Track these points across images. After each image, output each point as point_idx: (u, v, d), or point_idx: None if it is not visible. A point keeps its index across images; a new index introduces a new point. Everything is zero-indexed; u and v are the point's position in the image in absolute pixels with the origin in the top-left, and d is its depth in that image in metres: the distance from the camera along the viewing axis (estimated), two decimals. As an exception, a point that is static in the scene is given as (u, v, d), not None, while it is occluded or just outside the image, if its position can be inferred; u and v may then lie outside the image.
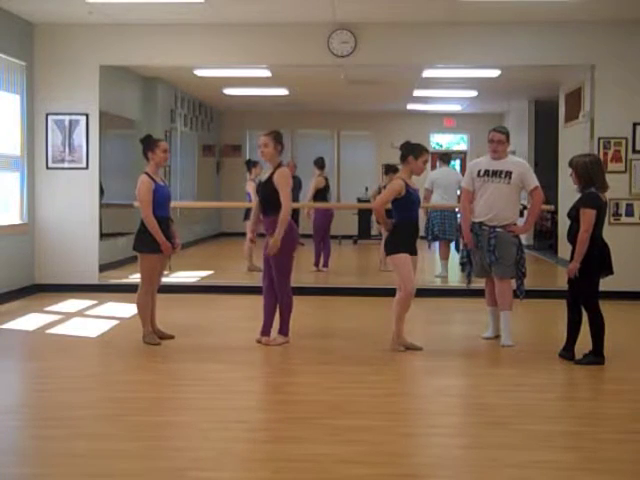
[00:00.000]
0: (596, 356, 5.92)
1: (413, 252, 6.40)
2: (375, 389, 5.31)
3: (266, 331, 6.60)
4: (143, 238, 6.49)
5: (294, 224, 6.69)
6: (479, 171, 6.71)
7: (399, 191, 6.34)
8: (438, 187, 10.80)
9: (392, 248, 6.39)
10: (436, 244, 11.31)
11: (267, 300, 6.60)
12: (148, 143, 6.61)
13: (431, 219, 10.72)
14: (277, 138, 6.54)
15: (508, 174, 6.59)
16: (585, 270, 5.91)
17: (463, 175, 10.85)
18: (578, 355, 6.02)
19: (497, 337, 6.76)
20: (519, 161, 6.96)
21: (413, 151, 6.45)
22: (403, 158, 6.47)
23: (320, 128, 18.10)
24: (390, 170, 10.73)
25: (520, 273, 6.64)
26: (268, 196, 6.47)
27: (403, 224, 6.41)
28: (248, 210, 11.26)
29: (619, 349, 6.34)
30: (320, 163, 11.81)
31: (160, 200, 6.54)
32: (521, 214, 8.65)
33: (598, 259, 5.95)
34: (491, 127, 6.87)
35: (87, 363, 6.15)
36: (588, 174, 5.99)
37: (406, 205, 6.39)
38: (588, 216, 5.88)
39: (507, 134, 6.74)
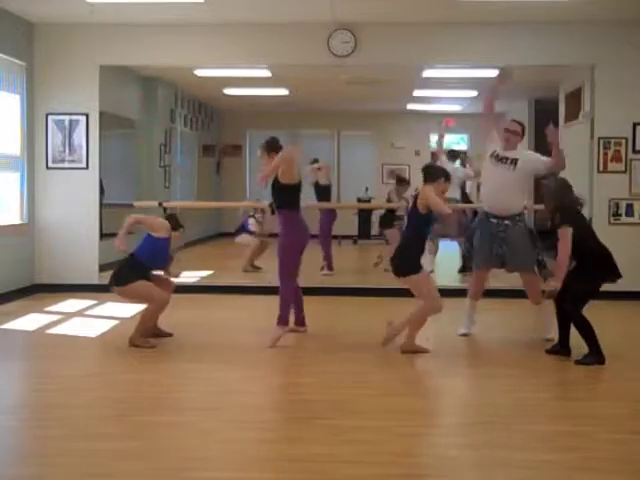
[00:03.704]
0: (595, 356, 5.92)
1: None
2: (375, 389, 5.30)
3: (299, 322, 7.00)
4: (124, 273, 6.51)
5: (305, 223, 6.72)
6: (494, 152, 6.75)
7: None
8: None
9: (409, 268, 6.13)
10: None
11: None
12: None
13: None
14: (267, 147, 6.67)
15: (514, 161, 6.65)
16: (582, 277, 5.90)
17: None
18: (574, 352, 6.03)
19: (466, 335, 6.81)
20: (528, 152, 7.07)
21: (425, 178, 6.30)
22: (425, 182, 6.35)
23: (320, 128, 18.06)
24: (401, 182, 11.23)
25: (541, 262, 6.63)
26: (275, 192, 6.61)
27: (416, 238, 6.24)
28: (248, 210, 11.30)
29: (618, 349, 6.34)
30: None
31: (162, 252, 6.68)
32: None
33: (597, 268, 5.93)
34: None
35: (87, 363, 6.14)
36: (554, 199, 6.04)
37: (424, 220, 6.23)
38: (565, 235, 5.86)
39: (523, 128, 6.86)
